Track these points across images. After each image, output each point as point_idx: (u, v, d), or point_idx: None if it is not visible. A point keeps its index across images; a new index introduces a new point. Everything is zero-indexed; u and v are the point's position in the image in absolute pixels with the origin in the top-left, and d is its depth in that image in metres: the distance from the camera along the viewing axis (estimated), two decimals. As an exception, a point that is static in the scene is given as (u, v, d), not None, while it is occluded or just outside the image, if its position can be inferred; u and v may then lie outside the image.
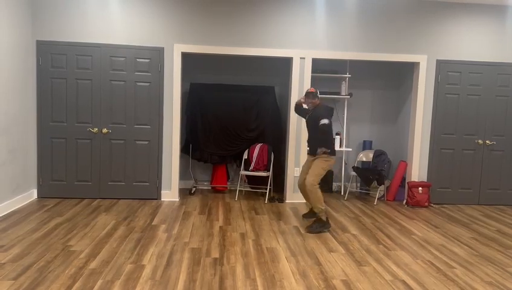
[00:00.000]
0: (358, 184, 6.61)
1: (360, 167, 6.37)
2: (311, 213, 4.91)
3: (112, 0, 5.29)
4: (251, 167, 5.94)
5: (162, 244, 3.85)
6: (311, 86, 5.68)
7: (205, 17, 5.43)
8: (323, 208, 4.41)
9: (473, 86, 5.86)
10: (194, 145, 6.18)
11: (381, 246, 4.03)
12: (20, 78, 4.95)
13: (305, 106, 4.76)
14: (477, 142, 5.93)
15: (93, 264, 3.30)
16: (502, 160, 5.97)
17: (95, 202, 5.30)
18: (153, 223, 4.50)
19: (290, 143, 5.73)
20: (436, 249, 4.01)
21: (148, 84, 5.43)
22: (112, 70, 5.36)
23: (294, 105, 5.04)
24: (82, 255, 3.48)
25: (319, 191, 4.41)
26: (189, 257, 3.56)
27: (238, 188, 6.01)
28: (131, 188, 5.53)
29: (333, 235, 4.31)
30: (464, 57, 5.82)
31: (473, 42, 5.81)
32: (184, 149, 6.21)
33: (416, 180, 5.88)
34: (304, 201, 5.62)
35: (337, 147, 6.24)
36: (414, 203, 5.71)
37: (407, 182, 5.88)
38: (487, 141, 5.92)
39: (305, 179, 4.57)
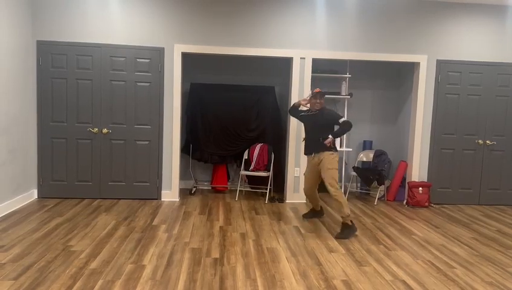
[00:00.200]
0: (359, 184, 6.61)
1: (361, 167, 6.37)
2: (311, 213, 4.92)
3: (112, 0, 5.29)
4: (251, 167, 5.95)
5: (162, 244, 3.85)
6: (312, 86, 5.68)
7: (205, 17, 5.43)
8: (349, 213, 4.33)
9: (473, 86, 5.86)
10: (194, 145, 6.18)
11: (381, 246, 4.03)
12: (20, 78, 4.96)
13: (304, 108, 4.75)
14: (478, 142, 5.93)
15: (93, 264, 3.30)
16: (502, 160, 5.97)
17: (96, 202, 5.30)
18: (153, 223, 4.50)
19: (290, 143, 5.73)
20: (437, 249, 4.01)
21: (148, 84, 5.43)
22: (112, 70, 5.36)
23: (291, 106, 4.97)
24: (82, 255, 3.48)
25: (343, 196, 4.36)
26: (189, 257, 3.56)
27: (238, 188, 6.01)
28: (131, 188, 5.53)
29: (333, 235, 4.30)
30: (464, 57, 5.82)
31: (473, 42, 5.81)
32: (184, 149, 6.21)
33: (417, 180, 5.88)
34: (304, 201, 5.62)
35: (337, 147, 6.24)
36: (414, 203, 5.71)
37: (408, 182, 5.88)
38: (487, 141, 5.92)
39: (311, 185, 4.64)
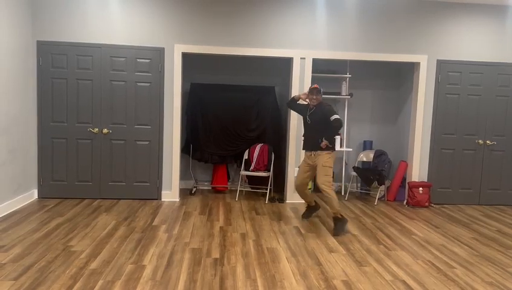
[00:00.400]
0: (359, 184, 6.60)
1: (361, 167, 6.37)
2: (308, 211, 4.92)
3: (112, 1, 5.29)
4: (251, 167, 5.95)
5: (162, 244, 3.85)
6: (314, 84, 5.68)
7: (205, 17, 5.44)
8: (339, 208, 4.43)
9: (473, 86, 5.86)
10: (194, 146, 6.18)
11: (381, 246, 4.03)
12: (20, 78, 4.96)
13: (303, 101, 4.76)
14: (478, 142, 5.93)
15: (93, 265, 3.30)
16: (503, 160, 5.97)
17: (96, 202, 5.30)
18: (153, 224, 4.50)
19: (290, 143, 5.73)
20: (437, 249, 4.01)
21: (148, 84, 5.43)
22: (112, 70, 5.36)
23: (290, 99, 4.97)
24: (83, 256, 3.48)
25: (334, 192, 4.44)
26: (189, 257, 3.56)
27: (238, 188, 6.01)
28: (131, 189, 5.53)
29: (332, 234, 4.30)
30: (464, 57, 5.82)
31: (474, 42, 5.81)
32: (184, 149, 6.21)
33: (417, 181, 5.88)
34: (303, 201, 5.62)
35: (337, 147, 6.21)
36: (414, 203, 5.71)
37: (408, 182, 5.89)
38: (487, 141, 5.92)
39: (303, 182, 4.69)
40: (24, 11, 5.02)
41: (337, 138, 6.18)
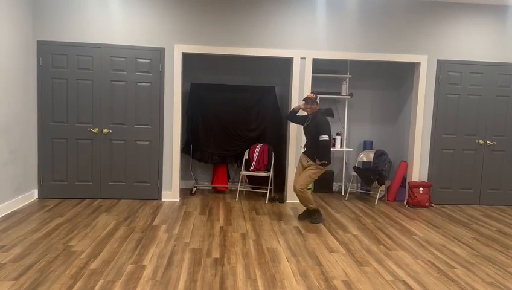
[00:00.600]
0: (359, 184, 6.60)
1: (361, 167, 6.37)
2: (306, 213, 4.94)
3: (112, 1, 5.29)
4: (252, 167, 5.95)
5: (162, 244, 3.85)
6: (312, 88, 5.70)
7: (206, 17, 5.43)
8: (314, 204, 4.80)
9: (473, 86, 5.86)
10: (194, 146, 6.18)
11: (381, 246, 4.03)
12: (20, 78, 4.96)
13: (303, 112, 4.94)
14: (478, 142, 5.92)
15: (94, 265, 3.30)
16: (503, 160, 5.97)
17: (96, 202, 5.30)
18: (153, 224, 4.50)
19: (290, 143, 5.73)
20: (437, 249, 4.00)
21: (148, 84, 5.43)
22: (112, 70, 5.36)
23: (289, 111, 5.17)
24: (83, 256, 3.48)
25: (307, 193, 4.74)
26: (189, 257, 3.56)
27: (238, 188, 6.00)
28: (131, 189, 5.53)
29: (334, 236, 4.31)
30: (464, 57, 5.82)
31: (474, 42, 5.81)
32: (185, 149, 6.21)
33: (417, 181, 5.88)
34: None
35: (337, 147, 6.26)
36: (415, 204, 5.71)
37: (408, 182, 5.88)
38: (488, 141, 5.92)
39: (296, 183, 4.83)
40: (24, 11, 5.02)
41: (337, 138, 6.23)
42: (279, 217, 4.99)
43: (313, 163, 4.68)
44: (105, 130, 5.41)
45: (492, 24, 5.80)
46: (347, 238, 4.23)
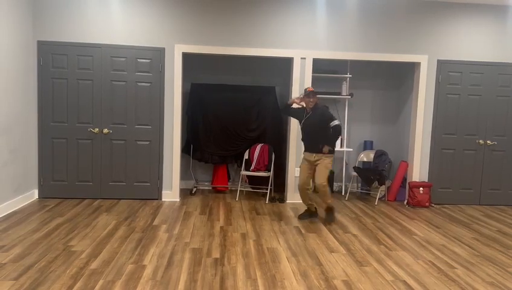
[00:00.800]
0: (359, 184, 6.60)
1: (361, 167, 6.37)
2: (305, 213, 4.94)
3: (112, 1, 5.29)
4: (252, 167, 5.95)
5: (162, 244, 3.85)
6: (312, 86, 5.68)
7: (206, 17, 5.43)
8: (332, 200, 4.90)
9: (473, 86, 5.86)
10: (194, 146, 6.18)
11: (382, 246, 4.03)
12: (21, 78, 4.96)
13: (297, 105, 4.88)
14: (478, 142, 5.92)
15: (94, 265, 3.30)
16: (503, 160, 5.97)
17: (96, 202, 5.30)
18: (153, 224, 4.50)
19: (290, 143, 5.73)
20: (437, 249, 4.00)
21: (149, 84, 5.43)
22: (112, 70, 5.36)
23: (284, 105, 5.12)
24: (83, 256, 3.48)
25: (328, 189, 4.77)
26: (190, 257, 3.56)
27: (239, 188, 6.00)
28: (132, 189, 5.53)
29: (334, 236, 4.31)
30: (464, 57, 5.82)
31: (474, 42, 5.81)
32: (185, 149, 6.21)
33: (417, 181, 5.87)
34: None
35: (337, 147, 6.24)
36: (415, 204, 5.71)
37: (408, 182, 5.88)
38: (488, 141, 5.92)
39: (306, 181, 4.78)
40: (25, 11, 5.02)
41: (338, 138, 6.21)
42: (280, 217, 4.99)
43: (321, 154, 4.64)
44: (105, 130, 5.41)
45: (493, 24, 5.80)
46: (347, 238, 4.23)
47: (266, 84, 6.40)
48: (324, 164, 4.67)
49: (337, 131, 4.64)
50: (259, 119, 6.23)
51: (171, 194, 5.60)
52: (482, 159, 5.95)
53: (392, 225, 4.82)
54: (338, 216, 5.10)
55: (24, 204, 5.07)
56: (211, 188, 6.35)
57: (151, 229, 4.31)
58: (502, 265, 3.63)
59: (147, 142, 5.50)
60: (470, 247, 4.10)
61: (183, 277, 3.14)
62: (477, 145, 5.93)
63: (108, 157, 5.45)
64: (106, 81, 5.36)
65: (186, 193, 6.06)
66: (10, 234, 3.95)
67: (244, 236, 4.18)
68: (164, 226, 4.41)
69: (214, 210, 5.20)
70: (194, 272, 3.25)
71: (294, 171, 5.75)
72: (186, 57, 5.70)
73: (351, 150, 6.64)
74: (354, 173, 6.15)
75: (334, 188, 6.65)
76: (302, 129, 4.85)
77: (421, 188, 5.72)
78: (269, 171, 5.84)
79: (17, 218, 4.49)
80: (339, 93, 6.38)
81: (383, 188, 6.04)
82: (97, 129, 5.40)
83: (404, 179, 6.06)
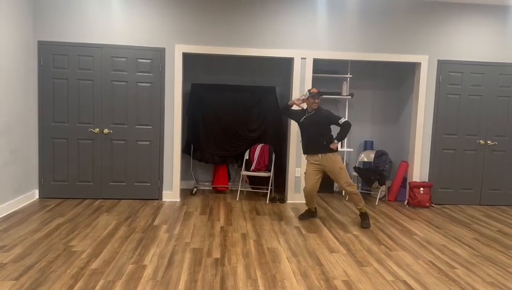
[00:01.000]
0: (360, 184, 6.60)
1: (362, 167, 6.37)
2: (306, 214, 4.94)
3: (113, 1, 5.30)
4: (252, 167, 5.95)
5: (163, 244, 3.85)
6: (312, 87, 5.67)
7: (206, 17, 5.44)
8: (364, 203, 4.77)
9: (474, 86, 5.85)
10: (195, 146, 6.18)
11: (382, 246, 4.03)
12: (21, 78, 4.96)
13: (297, 107, 4.87)
14: (479, 142, 5.92)
15: (94, 265, 3.30)
16: (504, 160, 5.96)
17: (97, 203, 5.31)
18: (154, 224, 4.50)
19: (291, 143, 5.73)
20: (438, 249, 4.00)
21: (149, 84, 5.44)
22: (113, 70, 5.37)
23: (283, 106, 5.05)
24: (83, 256, 3.48)
25: (357, 191, 4.72)
26: (190, 257, 3.56)
27: (239, 189, 6.00)
28: (132, 189, 5.53)
29: (334, 236, 4.31)
30: (465, 57, 5.81)
31: (475, 42, 5.80)
32: (185, 149, 6.21)
33: (418, 181, 5.87)
34: (304, 201, 5.61)
35: (338, 148, 6.24)
36: (415, 204, 5.70)
37: (409, 183, 5.88)
38: (489, 142, 5.92)
39: (314, 186, 4.71)
40: (25, 11, 5.03)
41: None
42: (280, 217, 4.99)
43: (327, 153, 4.58)
44: (106, 130, 5.41)
45: (493, 24, 5.80)
46: (347, 239, 4.23)
47: (266, 84, 6.40)
48: (337, 167, 4.59)
49: (347, 127, 4.61)
50: (259, 119, 6.23)
51: (171, 194, 5.60)
52: (483, 159, 5.95)
53: (393, 225, 4.82)
54: (338, 216, 5.10)
55: (25, 204, 5.07)
56: (211, 188, 6.35)
57: (151, 229, 4.31)
58: (503, 265, 3.63)
59: (148, 143, 5.51)
60: (470, 247, 4.10)
61: (184, 277, 3.14)
62: (478, 145, 5.92)
63: (109, 157, 5.46)
64: (107, 82, 5.37)
65: (186, 193, 6.06)
66: (11, 234, 3.96)
67: (244, 236, 4.18)
68: (164, 226, 4.41)
69: (215, 210, 5.20)
70: (194, 272, 3.25)
71: (294, 171, 5.75)
72: (187, 57, 5.71)
73: (352, 150, 6.64)
74: (355, 173, 6.15)
75: (335, 188, 6.65)
76: (305, 130, 4.75)
77: (422, 188, 5.72)
78: (269, 171, 5.84)
79: (17, 218, 4.50)
80: (340, 94, 6.39)
81: (383, 188, 6.04)
82: (97, 129, 5.40)
83: (405, 179, 6.06)
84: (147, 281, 3.05)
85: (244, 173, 5.95)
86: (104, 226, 4.34)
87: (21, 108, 4.98)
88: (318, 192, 4.84)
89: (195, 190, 6.15)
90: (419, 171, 5.91)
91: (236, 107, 6.15)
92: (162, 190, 5.59)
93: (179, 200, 5.63)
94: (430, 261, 3.66)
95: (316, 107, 4.65)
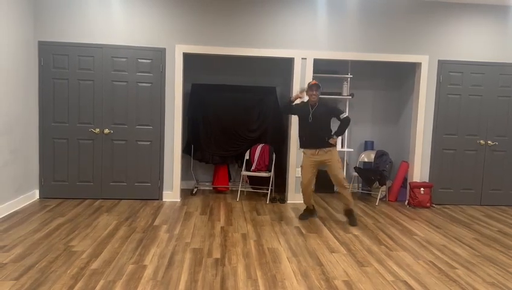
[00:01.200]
0: (360, 185, 6.60)
1: (362, 167, 6.37)
2: (306, 213, 4.94)
3: (113, 1, 5.30)
4: (252, 168, 5.95)
5: (163, 244, 3.85)
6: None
7: (207, 17, 5.44)
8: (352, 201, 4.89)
9: (474, 86, 5.85)
10: (195, 146, 6.18)
11: (382, 246, 4.03)
12: (22, 78, 4.97)
13: (299, 100, 4.87)
14: (479, 142, 5.92)
15: (95, 265, 3.30)
16: (504, 160, 5.96)
17: (97, 203, 5.31)
18: (154, 224, 4.50)
19: (291, 143, 5.73)
20: (438, 249, 4.00)
21: (149, 84, 5.44)
22: (113, 70, 5.37)
23: (284, 104, 4.97)
24: (84, 256, 3.48)
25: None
26: (190, 257, 3.56)
27: (239, 189, 6.01)
28: (132, 189, 5.53)
29: (335, 236, 4.30)
30: (465, 57, 5.81)
31: (475, 42, 5.80)
32: (185, 149, 6.21)
33: (418, 181, 5.87)
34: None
35: (338, 148, 6.25)
36: (416, 204, 5.70)
37: (409, 183, 5.88)
38: (489, 142, 5.91)
39: (310, 180, 4.77)
40: (25, 11, 5.03)
41: (339, 139, 6.21)
42: (280, 217, 4.99)
43: (327, 147, 4.63)
44: (106, 131, 5.41)
45: (493, 24, 5.79)
46: (348, 239, 4.23)
47: (267, 85, 6.40)
48: (337, 161, 4.69)
49: (347, 122, 4.69)
50: (260, 119, 6.23)
51: (171, 194, 5.60)
52: (483, 159, 5.95)
53: (393, 225, 4.81)
54: (339, 216, 5.10)
55: (25, 204, 5.07)
56: (211, 188, 6.35)
57: (151, 229, 4.31)
58: (503, 265, 3.63)
59: (148, 143, 5.51)
60: (470, 247, 4.09)
61: (184, 277, 3.14)
62: (478, 145, 5.92)
63: (109, 157, 5.46)
64: (107, 82, 5.37)
65: (187, 193, 6.06)
66: (11, 234, 3.96)
67: (244, 236, 4.18)
68: (165, 227, 4.41)
69: (215, 210, 5.20)
70: (194, 272, 3.25)
71: (295, 171, 5.75)
72: (187, 58, 5.71)
73: (352, 150, 6.64)
74: (355, 174, 6.15)
75: (335, 188, 6.64)
76: (304, 124, 4.73)
77: (422, 189, 5.71)
78: (270, 171, 5.84)
79: (18, 218, 4.50)
80: (340, 94, 6.39)
81: (383, 188, 6.04)
82: (98, 129, 5.40)
83: (405, 180, 6.06)
84: (147, 281, 3.05)
85: (244, 173, 5.95)
86: (104, 226, 4.34)
87: (21, 108, 4.98)
88: (318, 192, 4.85)
89: (195, 190, 6.15)
90: (419, 171, 5.91)
91: (237, 107, 6.15)
92: (162, 190, 5.59)
93: (179, 200, 5.63)
94: (430, 262, 3.66)
95: (315, 99, 4.63)
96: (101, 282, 3.00)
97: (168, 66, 5.43)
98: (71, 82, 5.33)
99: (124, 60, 5.37)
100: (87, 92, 5.36)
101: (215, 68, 6.46)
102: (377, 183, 5.97)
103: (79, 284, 2.94)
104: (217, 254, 3.65)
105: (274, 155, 5.94)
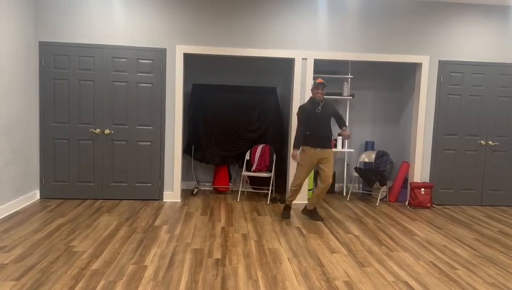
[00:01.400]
0: (361, 185, 6.60)
1: (362, 167, 6.37)
2: (287, 211, 5.04)
3: (114, 2, 5.30)
4: (253, 168, 5.95)
5: (164, 245, 3.85)
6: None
7: (207, 18, 5.44)
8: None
9: (475, 86, 5.85)
10: (196, 146, 6.18)
11: (383, 247, 4.03)
12: (22, 79, 4.97)
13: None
14: (480, 143, 5.92)
15: (95, 265, 3.30)
16: (505, 161, 5.96)
17: (97, 203, 5.31)
18: (155, 224, 4.50)
19: (291, 144, 5.72)
20: (439, 250, 4.00)
21: (150, 85, 5.44)
22: (114, 71, 5.37)
23: (301, 111, 4.75)
24: (84, 256, 3.48)
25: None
26: (191, 257, 3.56)
27: (240, 189, 6.01)
28: (133, 189, 5.54)
29: (335, 236, 4.30)
30: (466, 58, 5.81)
31: (475, 43, 5.80)
32: (186, 150, 6.22)
33: (419, 181, 5.87)
34: (306, 202, 5.61)
35: (339, 148, 6.26)
36: (416, 204, 5.70)
37: (410, 183, 5.88)
38: (489, 142, 5.91)
39: (304, 179, 4.84)
40: (26, 12, 5.04)
41: (339, 139, 6.23)
42: (281, 217, 4.99)
43: (329, 149, 4.76)
44: (106, 131, 5.42)
45: (494, 24, 5.79)
46: (348, 239, 4.23)
47: (267, 85, 6.41)
48: (331, 158, 4.78)
49: (343, 119, 4.99)
50: (260, 119, 6.23)
51: (172, 194, 5.61)
52: (484, 159, 5.94)
53: (394, 225, 4.81)
54: (339, 217, 5.10)
55: (25, 205, 5.08)
56: (212, 188, 6.35)
57: (152, 229, 4.31)
58: (504, 266, 3.63)
59: (148, 143, 5.51)
60: (471, 248, 4.09)
61: (185, 278, 3.14)
62: (479, 145, 5.92)
63: (110, 158, 5.46)
64: (107, 82, 5.37)
65: (187, 194, 6.07)
66: (12, 235, 3.96)
67: (245, 237, 4.18)
68: (165, 227, 4.41)
69: (215, 211, 5.20)
70: (195, 272, 3.25)
71: (295, 171, 5.73)
72: (188, 58, 5.72)
73: (352, 150, 6.64)
74: (355, 174, 6.15)
75: (335, 188, 6.65)
76: (312, 122, 4.68)
77: (423, 189, 5.71)
78: (270, 171, 5.85)
79: (18, 218, 4.50)
80: (340, 94, 6.39)
81: (384, 188, 6.04)
82: (98, 130, 5.41)
83: (406, 180, 6.06)
84: (147, 281, 3.05)
85: (245, 173, 5.95)
86: (105, 226, 4.34)
87: (22, 108, 4.98)
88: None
89: (196, 190, 6.16)
90: (420, 171, 5.91)
91: (237, 108, 6.15)
92: (162, 191, 5.59)
93: (179, 200, 5.63)
94: (431, 262, 3.66)
95: (320, 97, 4.70)
96: (102, 282, 3.00)
97: (169, 66, 5.44)
98: (72, 82, 5.33)
99: (125, 60, 5.37)
100: (88, 93, 5.36)
101: (216, 68, 6.46)
102: (377, 184, 5.97)
103: (80, 285, 2.94)
104: (217, 255, 3.65)
105: (274, 155, 5.94)
